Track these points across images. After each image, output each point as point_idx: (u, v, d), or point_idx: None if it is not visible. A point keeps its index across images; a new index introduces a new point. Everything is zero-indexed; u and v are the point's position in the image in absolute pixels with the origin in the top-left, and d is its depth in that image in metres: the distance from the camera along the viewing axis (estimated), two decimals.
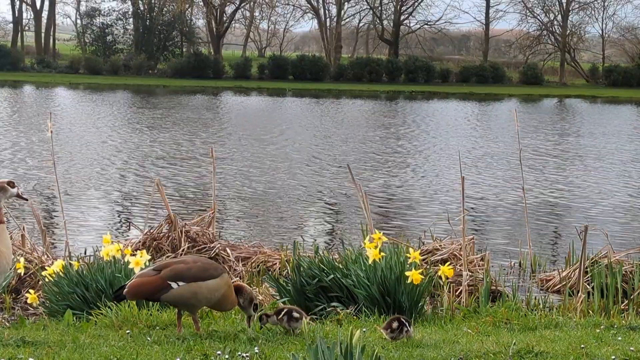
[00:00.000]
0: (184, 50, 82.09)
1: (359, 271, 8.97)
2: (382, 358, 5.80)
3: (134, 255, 8.67)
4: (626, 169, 27.49)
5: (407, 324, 6.91)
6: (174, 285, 6.82)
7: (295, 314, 7.16)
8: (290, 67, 75.65)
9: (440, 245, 13.58)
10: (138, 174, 23.66)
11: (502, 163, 27.69)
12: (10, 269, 7.02)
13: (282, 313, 7.17)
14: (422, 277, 8.55)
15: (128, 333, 7.06)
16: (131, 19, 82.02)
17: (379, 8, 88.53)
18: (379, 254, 8.77)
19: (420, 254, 12.56)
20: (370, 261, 8.81)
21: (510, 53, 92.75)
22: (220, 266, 7.11)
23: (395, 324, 6.90)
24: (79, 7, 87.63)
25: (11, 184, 6.95)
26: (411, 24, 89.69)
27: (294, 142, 32.36)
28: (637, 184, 24.23)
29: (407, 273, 8.47)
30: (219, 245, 13.37)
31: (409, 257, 8.84)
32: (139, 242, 13.21)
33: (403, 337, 6.91)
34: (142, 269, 8.53)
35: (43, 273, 9.15)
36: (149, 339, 6.80)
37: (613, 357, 6.45)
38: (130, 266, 8.53)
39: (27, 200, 7.38)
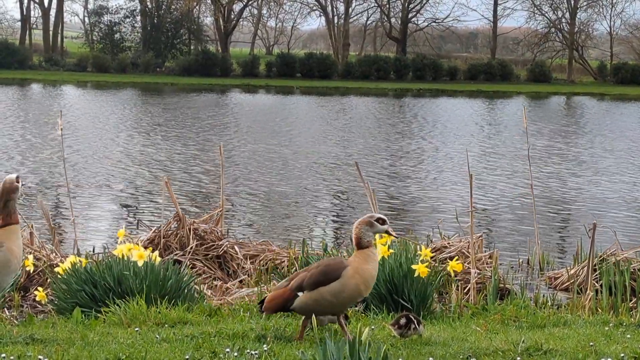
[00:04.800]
0: (192, 48, 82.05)
1: None
2: (390, 355, 5.79)
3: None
4: (635, 166, 27.43)
5: (415, 321, 6.88)
6: (299, 294, 6.70)
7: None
8: (298, 64, 75.55)
9: (448, 243, 13.56)
10: (146, 172, 23.69)
11: (510, 161, 27.66)
12: (20, 268, 7.04)
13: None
14: (429, 270, 8.54)
15: (137, 331, 7.06)
16: (139, 17, 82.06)
17: (387, 6, 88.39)
18: (388, 251, 8.76)
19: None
20: (378, 258, 8.80)
21: (518, 50, 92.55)
22: (343, 263, 6.76)
23: (403, 320, 6.88)
24: (86, 5, 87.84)
25: (18, 179, 6.94)
26: (419, 22, 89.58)
27: (301, 140, 32.35)
28: None
29: (413, 266, 8.47)
30: (227, 242, 13.36)
31: (419, 255, 8.83)
32: (147, 239, 13.21)
33: (411, 334, 6.88)
34: (145, 263, 8.54)
35: (55, 270, 9.16)
36: (157, 336, 6.80)
37: (622, 354, 6.43)
38: (133, 259, 8.53)
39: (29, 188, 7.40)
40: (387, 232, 6.86)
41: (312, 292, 6.65)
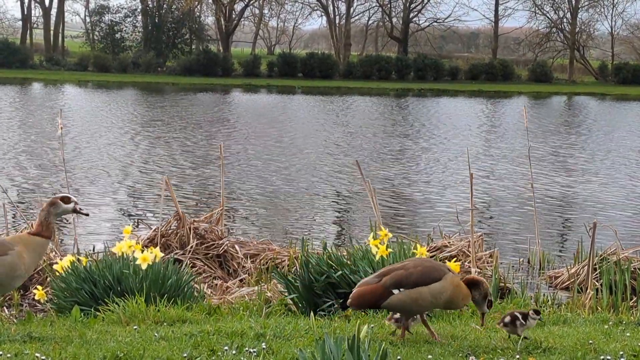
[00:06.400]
0: (193, 47, 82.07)
1: (367, 267, 8.96)
2: (390, 353, 5.78)
3: (144, 252, 8.69)
4: (635, 166, 27.42)
5: (519, 317, 6.80)
6: (395, 292, 6.69)
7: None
8: (300, 64, 75.55)
9: (449, 242, 13.56)
10: (147, 172, 23.69)
11: (511, 160, 27.64)
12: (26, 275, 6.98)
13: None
14: None
15: (135, 329, 7.05)
16: (140, 16, 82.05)
17: (388, 6, 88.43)
18: (386, 250, 8.75)
19: (428, 250, 12.62)
20: (377, 258, 8.80)
21: (520, 50, 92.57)
22: (444, 267, 6.93)
23: (507, 319, 6.82)
24: (87, 4, 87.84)
25: (65, 199, 6.90)
26: (420, 22, 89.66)
27: (302, 140, 32.35)
28: None
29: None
30: (227, 242, 13.36)
31: (416, 253, 8.82)
32: (147, 238, 13.21)
33: (520, 330, 6.80)
34: (149, 265, 8.52)
35: (54, 267, 9.15)
36: (156, 334, 6.79)
37: (621, 352, 6.43)
38: (137, 262, 8.52)
39: (87, 215, 7.25)
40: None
41: (411, 291, 6.67)
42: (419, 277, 6.69)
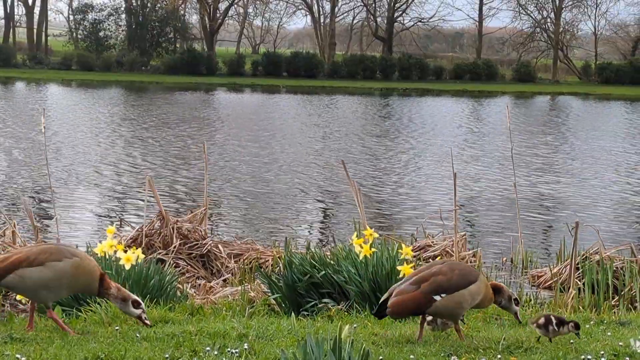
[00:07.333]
0: (177, 46, 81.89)
1: (350, 267, 8.96)
2: (371, 353, 5.78)
3: (126, 252, 8.66)
4: (618, 166, 27.51)
5: (554, 322, 6.78)
6: (437, 298, 6.67)
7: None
8: (284, 63, 75.51)
9: (432, 242, 13.59)
10: (130, 171, 23.63)
11: (495, 160, 27.70)
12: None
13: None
14: (413, 270, 8.53)
15: (117, 329, 7.03)
16: (123, 15, 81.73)
17: (373, 5, 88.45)
18: (370, 249, 8.76)
19: (413, 250, 12.63)
20: (360, 257, 8.80)
21: (504, 50, 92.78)
22: (474, 268, 7.04)
23: (541, 321, 6.79)
24: (71, 2, 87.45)
25: (135, 303, 6.99)
26: (405, 21, 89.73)
27: (287, 139, 32.33)
28: (628, 181, 24.26)
29: (398, 267, 8.46)
30: (211, 241, 13.34)
31: (401, 253, 8.82)
32: (131, 238, 13.17)
33: (552, 335, 6.76)
34: (133, 265, 8.49)
35: None
36: (138, 335, 6.77)
37: (602, 352, 6.45)
38: (121, 262, 8.50)
39: (150, 326, 7.21)
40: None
41: (454, 295, 6.70)
42: (458, 281, 6.74)
